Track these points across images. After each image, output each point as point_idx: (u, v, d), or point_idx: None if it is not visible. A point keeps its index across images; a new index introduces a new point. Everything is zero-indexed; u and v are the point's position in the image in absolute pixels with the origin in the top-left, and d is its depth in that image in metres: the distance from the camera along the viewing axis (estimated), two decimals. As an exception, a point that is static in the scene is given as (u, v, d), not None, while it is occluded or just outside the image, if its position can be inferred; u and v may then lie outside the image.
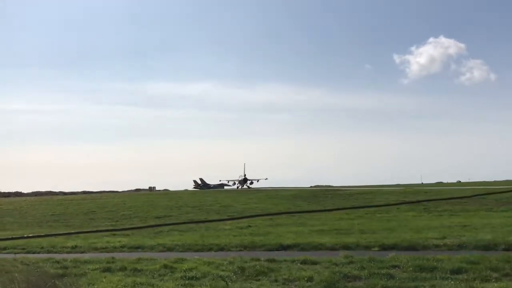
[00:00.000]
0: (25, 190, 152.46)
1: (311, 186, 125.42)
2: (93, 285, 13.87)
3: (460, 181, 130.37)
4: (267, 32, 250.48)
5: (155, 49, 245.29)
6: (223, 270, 16.11)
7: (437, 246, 19.97)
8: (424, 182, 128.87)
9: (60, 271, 16.80)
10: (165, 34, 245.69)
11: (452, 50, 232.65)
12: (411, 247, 19.93)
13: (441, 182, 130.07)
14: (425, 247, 19.88)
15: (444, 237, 21.61)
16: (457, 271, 14.17)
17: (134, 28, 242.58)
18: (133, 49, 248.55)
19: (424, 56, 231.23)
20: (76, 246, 25.39)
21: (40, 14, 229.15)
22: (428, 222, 32.55)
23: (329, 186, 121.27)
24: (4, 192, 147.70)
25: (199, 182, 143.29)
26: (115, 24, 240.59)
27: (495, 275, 13.61)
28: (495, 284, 12.58)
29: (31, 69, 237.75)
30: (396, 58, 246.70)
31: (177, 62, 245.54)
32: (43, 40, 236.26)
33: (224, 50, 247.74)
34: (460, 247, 19.47)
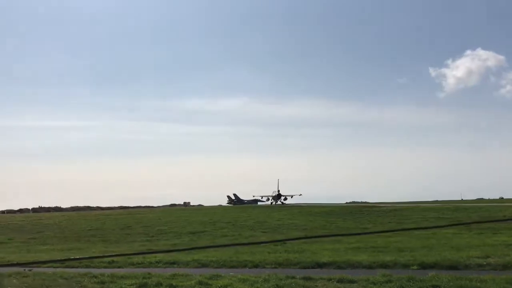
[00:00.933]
0: (64, 205, 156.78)
1: (346, 202, 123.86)
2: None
3: (502, 198, 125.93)
4: (299, 47, 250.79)
5: (187, 65, 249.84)
6: (258, 288, 15.96)
7: (480, 265, 19.21)
8: (464, 199, 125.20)
9: (98, 286, 17.04)
10: (198, 50, 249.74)
11: (490, 62, 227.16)
12: (452, 266, 19.25)
13: (482, 199, 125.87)
14: (467, 267, 19.17)
15: (487, 256, 20.76)
16: (503, 293, 13.56)
17: (167, 45, 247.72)
18: (166, 66, 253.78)
19: (461, 69, 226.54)
20: (113, 261, 25.64)
21: (73, 32, 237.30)
22: (469, 240, 31.43)
23: (365, 202, 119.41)
24: (44, 207, 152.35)
25: (233, 197, 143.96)
26: (147, 41, 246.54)
27: (543, 297, 12.94)
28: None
29: (68, 87, 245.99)
30: (432, 72, 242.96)
31: (209, 79, 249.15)
32: (79, 59, 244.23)
33: (256, 66, 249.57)
34: (505, 267, 18.65)
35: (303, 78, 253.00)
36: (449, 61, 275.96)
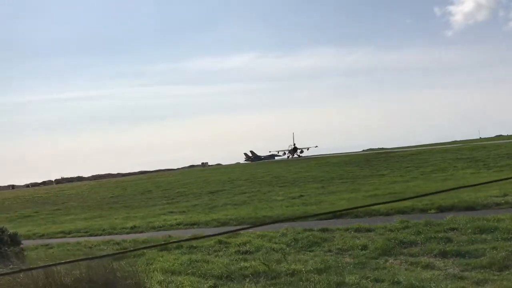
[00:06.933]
0: (86, 174, 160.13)
1: (363, 150, 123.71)
2: (151, 265, 14.27)
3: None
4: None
5: (189, 26, 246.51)
6: (276, 243, 16.13)
7: (498, 204, 19.05)
8: (482, 137, 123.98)
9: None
10: (197, 9, 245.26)
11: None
12: (470, 207, 19.13)
13: (501, 135, 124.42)
14: (485, 207, 19.03)
15: (505, 195, 20.55)
16: (521, 231, 13.44)
17: (167, 6, 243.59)
18: (168, 28, 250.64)
19: (468, 4, 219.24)
20: (135, 226, 26.18)
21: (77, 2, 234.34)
22: (488, 179, 31.15)
23: (381, 148, 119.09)
24: (67, 178, 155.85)
25: (250, 154, 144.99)
26: (150, 4, 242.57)
27: None
28: None
29: (77, 58, 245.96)
30: (437, 11, 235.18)
31: (213, 37, 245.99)
32: (84, 28, 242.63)
33: (259, 20, 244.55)
34: (524, 204, 18.49)
35: (308, 28, 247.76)
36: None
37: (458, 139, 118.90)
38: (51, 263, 8.49)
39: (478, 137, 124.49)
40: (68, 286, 10.18)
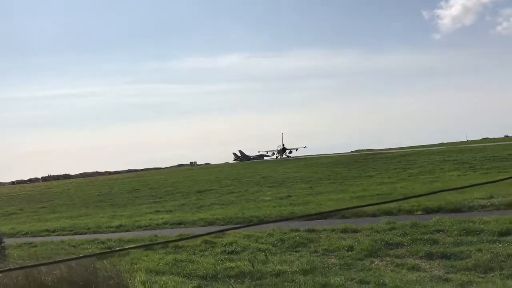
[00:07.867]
0: (73, 172, 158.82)
1: (351, 151, 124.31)
2: (135, 264, 14.07)
3: (508, 136, 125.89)
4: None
5: (182, 24, 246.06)
6: (262, 243, 16.03)
7: (483, 206, 19.15)
8: (469, 139, 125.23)
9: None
10: (191, 8, 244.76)
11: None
12: (456, 209, 19.23)
13: (487, 138, 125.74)
14: (470, 209, 19.14)
15: (491, 197, 20.64)
16: (506, 233, 13.48)
17: (159, 5, 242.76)
18: (160, 27, 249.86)
19: (456, 8, 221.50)
20: (120, 225, 25.91)
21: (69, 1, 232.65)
22: (474, 181, 31.34)
23: (370, 150, 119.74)
24: (54, 176, 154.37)
25: (239, 154, 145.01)
26: (142, 3, 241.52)
27: (547, 235, 12.86)
28: (547, 245, 11.87)
29: (68, 55, 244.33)
30: (425, 14, 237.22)
31: (205, 36, 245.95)
32: (75, 26, 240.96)
33: (252, 20, 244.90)
34: (509, 206, 18.55)
35: (299, 30, 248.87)
36: (442, 3, 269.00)
37: (446, 142, 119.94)
38: (31, 264, 8.27)
39: (465, 140, 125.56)
40: (48, 287, 9.96)
